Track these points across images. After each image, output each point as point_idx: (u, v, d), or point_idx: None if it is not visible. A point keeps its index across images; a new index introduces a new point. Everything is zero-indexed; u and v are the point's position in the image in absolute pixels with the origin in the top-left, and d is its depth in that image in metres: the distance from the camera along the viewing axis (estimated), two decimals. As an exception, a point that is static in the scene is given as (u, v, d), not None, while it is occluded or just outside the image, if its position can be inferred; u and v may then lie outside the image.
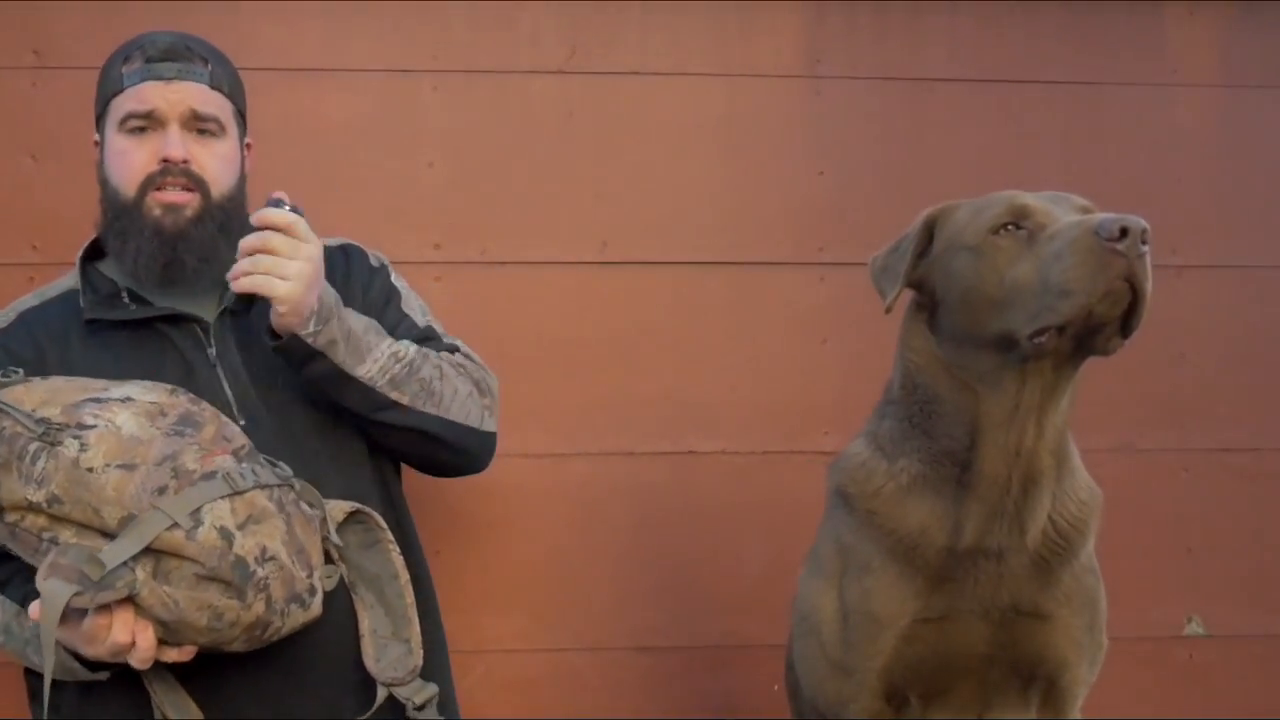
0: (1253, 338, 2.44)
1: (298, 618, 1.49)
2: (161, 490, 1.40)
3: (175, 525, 1.38)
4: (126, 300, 1.72)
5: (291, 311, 1.56)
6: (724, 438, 2.33)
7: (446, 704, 1.69)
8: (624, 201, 2.32)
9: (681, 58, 2.36)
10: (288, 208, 1.58)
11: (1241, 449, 2.42)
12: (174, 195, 1.67)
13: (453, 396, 1.70)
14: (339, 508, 1.60)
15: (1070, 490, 1.59)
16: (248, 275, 1.56)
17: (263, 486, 1.48)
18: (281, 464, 1.57)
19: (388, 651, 1.56)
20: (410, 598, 1.58)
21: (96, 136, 1.76)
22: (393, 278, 1.86)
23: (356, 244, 1.88)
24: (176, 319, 1.70)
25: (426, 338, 1.78)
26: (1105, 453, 2.25)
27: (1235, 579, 2.41)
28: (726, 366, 2.33)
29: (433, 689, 1.57)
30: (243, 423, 1.63)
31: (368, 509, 1.61)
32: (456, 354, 1.77)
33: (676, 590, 2.30)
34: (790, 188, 2.37)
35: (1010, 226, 1.48)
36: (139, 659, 1.41)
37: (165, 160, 1.66)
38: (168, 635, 1.42)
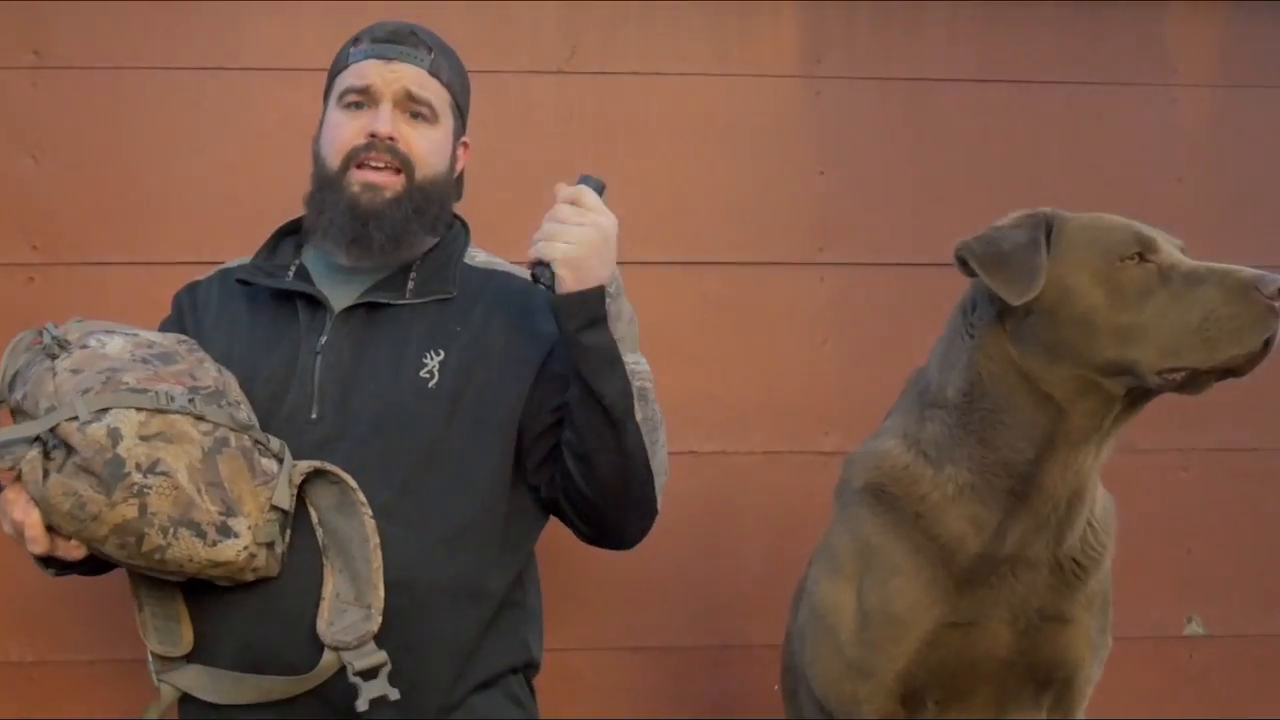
0: (1253, 338, 2.44)
1: (195, 548, 1.47)
2: (86, 391, 1.47)
3: (75, 418, 1.44)
4: (290, 275, 1.73)
5: (572, 276, 1.57)
6: (724, 438, 2.33)
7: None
8: (624, 201, 2.31)
9: (681, 58, 2.36)
10: (593, 183, 1.63)
11: (1241, 449, 2.42)
12: (377, 176, 1.67)
13: (661, 447, 1.67)
14: (301, 467, 1.56)
15: (1093, 501, 1.60)
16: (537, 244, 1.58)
17: (197, 417, 1.49)
18: (266, 435, 1.55)
19: (344, 616, 1.52)
20: (378, 563, 1.52)
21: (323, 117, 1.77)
22: None
23: None
24: (312, 300, 1.69)
25: None
26: (1105, 453, 2.25)
27: (1235, 579, 2.41)
28: (726, 366, 2.33)
29: (380, 657, 1.51)
30: (314, 415, 1.62)
31: (339, 470, 1.56)
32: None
33: (676, 590, 2.31)
34: (790, 188, 2.37)
35: (1136, 256, 1.48)
36: (28, 539, 1.47)
37: (372, 135, 1.67)
38: (46, 519, 1.46)
